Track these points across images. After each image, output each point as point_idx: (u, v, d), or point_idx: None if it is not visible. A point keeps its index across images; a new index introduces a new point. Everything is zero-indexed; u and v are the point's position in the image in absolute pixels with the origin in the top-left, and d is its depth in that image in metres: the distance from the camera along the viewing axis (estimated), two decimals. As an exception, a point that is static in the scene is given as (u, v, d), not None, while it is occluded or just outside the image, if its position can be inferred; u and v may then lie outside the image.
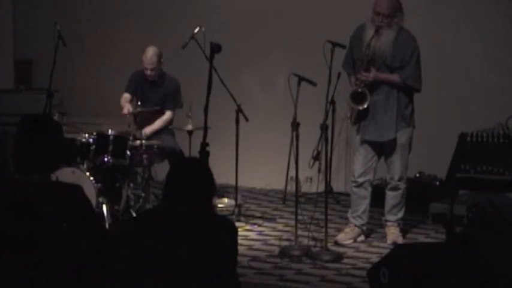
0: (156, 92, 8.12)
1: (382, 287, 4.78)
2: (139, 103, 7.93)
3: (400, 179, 7.16)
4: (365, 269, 5.64)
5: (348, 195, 7.97)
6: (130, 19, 9.94)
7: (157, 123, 8.10)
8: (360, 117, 7.09)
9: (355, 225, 7.25)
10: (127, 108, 7.97)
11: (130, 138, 7.54)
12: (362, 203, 7.22)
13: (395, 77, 6.98)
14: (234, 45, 8.71)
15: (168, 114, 8.15)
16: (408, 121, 7.09)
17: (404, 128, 7.07)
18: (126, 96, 8.17)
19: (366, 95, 6.94)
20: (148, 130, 7.99)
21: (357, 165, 7.22)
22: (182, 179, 3.70)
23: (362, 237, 7.28)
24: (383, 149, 7.16)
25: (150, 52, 8.02)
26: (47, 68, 8.16)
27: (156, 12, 9.83)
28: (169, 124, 8.19)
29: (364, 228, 7.30)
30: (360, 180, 7.18)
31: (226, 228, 3.74)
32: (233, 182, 8.11)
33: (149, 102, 7.99)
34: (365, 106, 6.97)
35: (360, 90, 6.96)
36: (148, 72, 8.04)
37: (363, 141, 7.12)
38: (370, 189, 7.23)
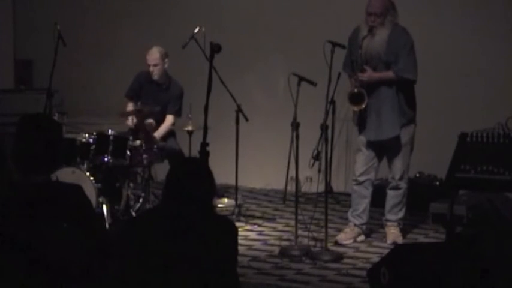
0: (162, 95, 8.08)
1: (382, 287, 4.77)
2: (139, 103, 7.92)
3: (401, 179, 7.16)
4: (365, 269, 5.64)
5: (348, 195, 7.98)
6: (131, 19, 9.94)
7: (162, 129, 8.05)
8: (361, 118, 7.10)
9: (355, 225, 7.25)
10: (130, 120, 7.95)
11: (131, 138, 7.54)
12: (362, 202, 7.22)
13: (390, 73, 6.99)
14: (234, 45, 8.71)
15: (170, 119, 8.11)
16: (409, 117, 7.08)
17: (406, 125, 7.06)
18: (129, 103, 8.15)
19: (364, 96, 6.95)
20: (158, 136, 7.98)
21: (358, 164, 7.22)
22: (182, 179, 3.69)
23: (362, 237, 7.28)
24: (385, 149, 7.16)
25: (154, 49, 8.04)
26: (47, 68, 8.16)
27: (156, 12, 9.83)
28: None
29: (364, 227, 7.30)
30: (361, 178, 7.19)
31: (226, 228, 3.74)
32: (233, 182, 8.11)
33: (155, 105, 7.97)
34: (363, 106, 6.98)
35: (356, 90, 6.97)
36: (151, 69, 8.01)
37: (368, 141, 7.12)
38: (370, 188, 7.23)
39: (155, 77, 8.05)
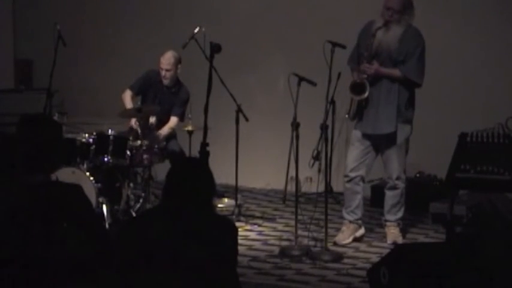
0: (170, 98, 8.05)
1: (382, 287, 4.77)
2: (138, 103, 7.91)
3: (397, 178, 7.15)
4: (365, 269, 5.64)
5: (348, 195, 7.97)
6: (131, 19, 9.94)
7: (166, 129, 8.03)
8: (359, 111, 7.09)
9: (350, 221, 7.23)
10: (134, 121, 7.93)
11: (131, 138, 7.54)
12: (355, 198, 7.20)
13: (396, 71, 6.99)
14: (234, 45, 8.71)
15: (174, 121, 8.09)
16: (405, 118, 7.06)
17: (401, 124, 7.04)
18: (129, 93, 8.11)
19: (365, 86, 6.93)
20: (162, 135, 7.96)
21: (350, 159, 7.20)
22: (182, 179, 3.69)
23: (361, 231, 7.25)
24: (380, 148, 7.14)
25: (169, 53, 8.00)
26: (47, 68, 8.16)
27: (156, 12, 9.83)
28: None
29: (360, 222, 7.26)
30: (352, 175, 7.16)
31: (226, 228, 3.74)
32: (233, 182, 8.11)
33: (162, 107, 7.95)
34: (364, 96, 6.96)
35: (358, 81, 6.96)
36: (163, 73, 7.97)
37: (362, 135, 7.11)
38: (362, 184, 7.20)
39: (166, 81, 8.01)
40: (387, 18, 6.91)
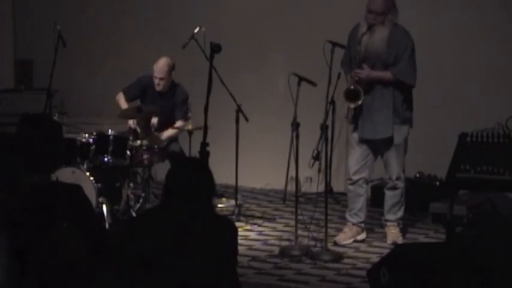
0: (167, 102, 8.00)
1: (382, 287, 4.77)
2: (138, 103, 7.90)
3: (397, 178, 7.15)
4: (365, 269, 5.64)
5: (348, 195, 7.97)
6: (130, 19, 9.94)
7: (170, 131, 8.00)
8: (356, 115, 7.09)
9: (353, 224, 7.23)
10: (131, 121, 7.91)
11: (130, 138, 7.54)
12: (358, 201, 7.21)
13: (387, 74, 6.97)
14: (234, 45, 8.71)
15: (179, 124, 8.04)
16: (403, 118, 7.06)
17: (399, 126, 7.04)
18: (122, 96, 8.06)
19: (360, 93, 6.93)
20: (164, 136, 7.94)
21: (352, 163, 7.21)
22: (182, 178, 3.70)
23: (363, 235, 7.26)
24: (379, 149, 7.14)
25: (162, 61, 7.90)
26: (47, 68, 8.16)
27: (156, 12, 9.83)
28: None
29: (363, 225, 7.28)
30: (355, 178, 7.17)
31: (226, 228, 3.75)
32: (233, 182, 8.11)
33: (162, 111, 7.92)
34: (359, 103, 6.96)
35: (352, 87, 6.96)
36: (157, 81, 7.90)
37: (360, 139, 7.11)
38: (365, 186, 7.21)
39: (159, 88, 7.95)
40: (371, 21, 6.89)
